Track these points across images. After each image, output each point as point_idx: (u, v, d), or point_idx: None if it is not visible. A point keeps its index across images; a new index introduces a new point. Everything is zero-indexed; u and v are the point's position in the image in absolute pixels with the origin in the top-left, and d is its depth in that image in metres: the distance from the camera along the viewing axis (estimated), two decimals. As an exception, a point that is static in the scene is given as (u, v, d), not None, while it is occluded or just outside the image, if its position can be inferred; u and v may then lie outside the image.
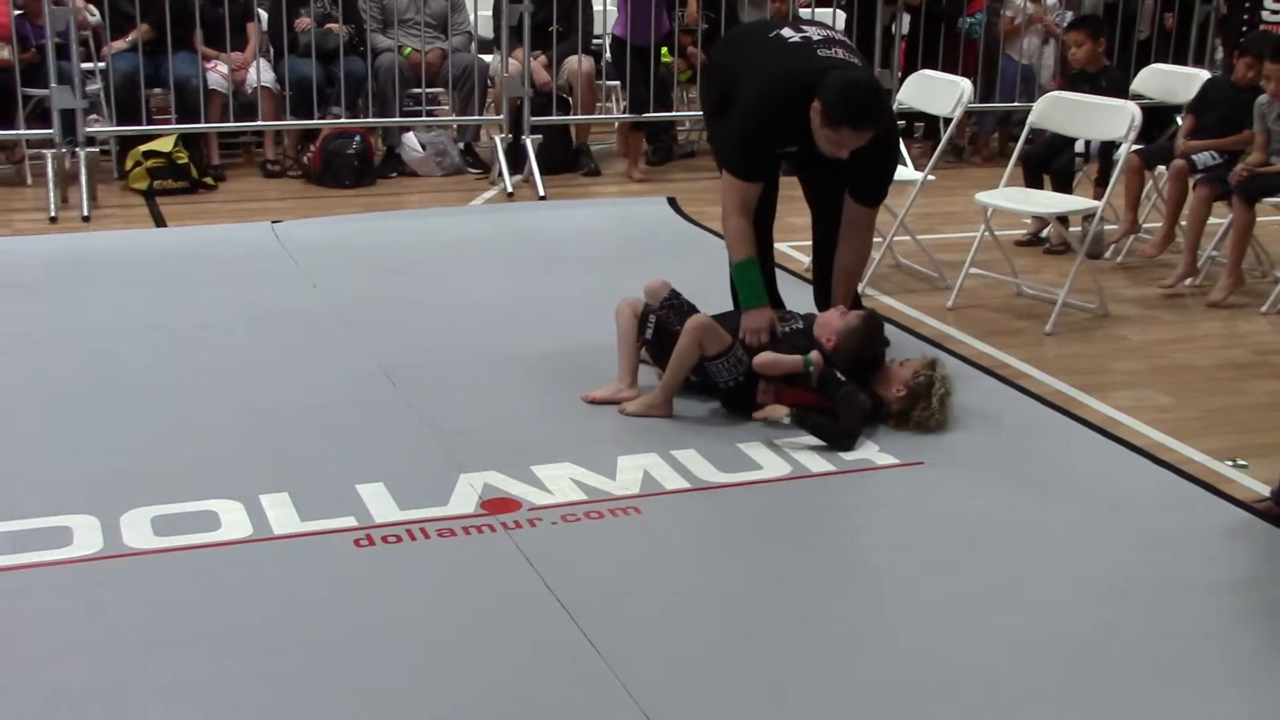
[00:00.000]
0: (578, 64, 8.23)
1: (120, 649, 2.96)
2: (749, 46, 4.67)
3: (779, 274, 5.05)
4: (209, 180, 7.64)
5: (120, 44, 7.59)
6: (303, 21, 7.94)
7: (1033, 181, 6.58)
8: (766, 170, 4.51)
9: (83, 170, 7.00)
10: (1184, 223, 6.24)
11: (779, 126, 4.37)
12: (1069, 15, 8.81)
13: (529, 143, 7.85)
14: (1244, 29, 8.74)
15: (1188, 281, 6.03)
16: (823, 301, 4.74)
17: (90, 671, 2.88)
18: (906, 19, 8.94)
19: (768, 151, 4.49)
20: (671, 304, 4.43)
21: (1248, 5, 8.97)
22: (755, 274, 4.41)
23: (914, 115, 8.65)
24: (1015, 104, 8.66)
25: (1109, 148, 6.36)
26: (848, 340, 4.28)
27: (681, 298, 4.46)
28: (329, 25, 7.97)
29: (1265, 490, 3.88)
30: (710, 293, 4.67)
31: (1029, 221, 6.75)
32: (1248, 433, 4.41)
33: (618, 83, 8.75)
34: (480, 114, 8.39)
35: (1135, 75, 7.28)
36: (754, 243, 4.46)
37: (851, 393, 4.17)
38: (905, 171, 6.54)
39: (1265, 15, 8.79)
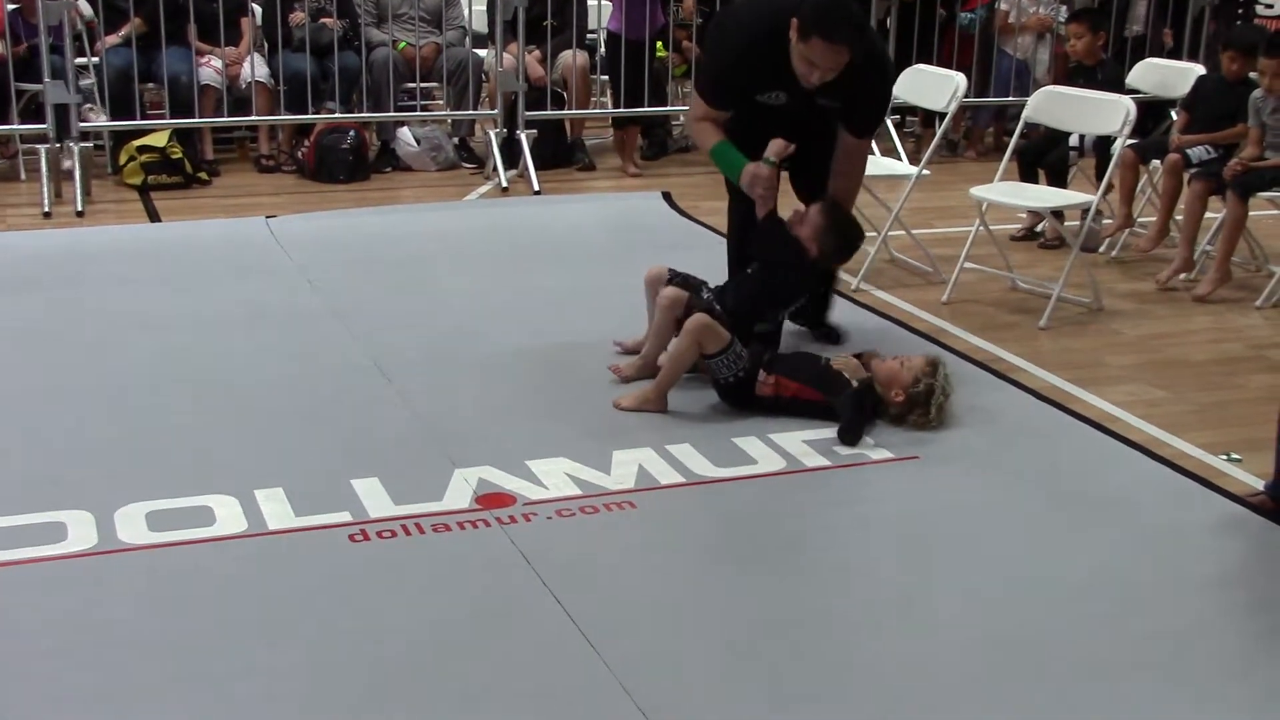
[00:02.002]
0: (572, 59, 8.23)
1: (114, 645, 2.96)
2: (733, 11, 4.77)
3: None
4: (203, 175, 7.64)
5: (114, 39, 7.57)
6: (297, 16, 7.93)
7: (1027, 176, 6.58)
8: (735, 103, 4.53)
9: (76, 165, 6.99)
10: (1179, 217, 6.25)
11: (758, 60, 4.41)
12: (1064, 9, 8.81)
13: (524, 137, 7.85)
14: (1239, 24, 8.75)
15: (1182, 276, 6.03)
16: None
17: (84, 667, 2.87)
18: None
19: (745, 86, 4.50)
20: (681, 280, 4.51)
21: (1242, 2, 8.97)
22: (730, 150, 4.50)
23: (908, 109, 8.65)
24: (1010, 99, 8.66)
25: (1106, 142, 6.36)
26: (824, 242, 4.43)
27: (682, 274, 4.54)
28: (323, 20, 7.96)
29: (1259, 484, 3.89)
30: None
31: (1024, 216, 6.75)
32: (1242, 427, 4.41)
33: (606, 77, 8.76)
34: (475, 109, 8.38)
35: (1129, 69, 7.28)
36: (722, 132, 4.53)
37: (853, 395, 4.16)
38: (900, 166, 6.55)
39: (1260, 9, 8.80)
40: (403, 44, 8.10)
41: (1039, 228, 6.72)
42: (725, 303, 4.43)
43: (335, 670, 2.89)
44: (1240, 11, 8.93)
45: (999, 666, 2.98)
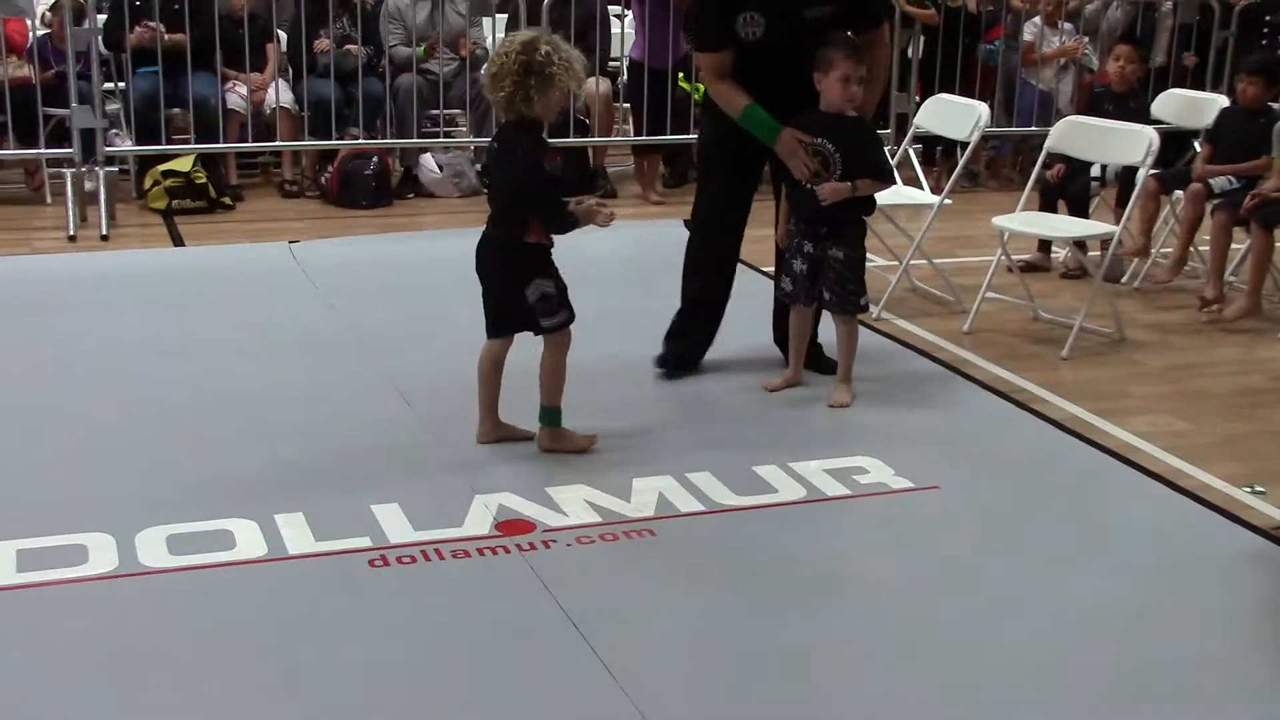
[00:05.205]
0: (595, 86, 8.25)
1: (135, 667, 2.96)
2: None
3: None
4: (227, 200, 7.68)
5: (157, 34, 7.48)
6: (322, 43, 7.98)
7: (1049, 206, 6.57)
8: (728, 35, 4.56)
9: (102, 189, 7.03)
10: (1200, 247, 6.22)
11: None
12: (1086, 39, 8.82)
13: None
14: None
15: (1208, 309, 5.99)
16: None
17: (104, 690, 2.88)
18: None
19: (726, 16, 4.55)
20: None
21: (1265, 32, 8.96)
22: (760, 112, 4.57)
23: (932, 139, 8.65)
24: (1033, 129, 8.66)
25: (1131, 172, 6.34)
26: (847, 62, 4.45)
27: None
28: (348, 46, 8.01)
29: (1283, 517, 3.87)
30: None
31: (1059, 252, 6.70)
32: (1265, 459, 4.39)
33: (629, 105, 8.78)
34: (497, 135, 8.39)
35: (1152, 99, 7.27)
36: (744, 93, 4.59)
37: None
38: (922, 195, 6.55)
39: (1284, 40, 8.79)
40: (421, 49, 8.09)
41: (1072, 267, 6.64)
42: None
43: (352, 695, 2.89)
44: (1264, 43, 8.92)
45: (1015, 697, 2.96)
